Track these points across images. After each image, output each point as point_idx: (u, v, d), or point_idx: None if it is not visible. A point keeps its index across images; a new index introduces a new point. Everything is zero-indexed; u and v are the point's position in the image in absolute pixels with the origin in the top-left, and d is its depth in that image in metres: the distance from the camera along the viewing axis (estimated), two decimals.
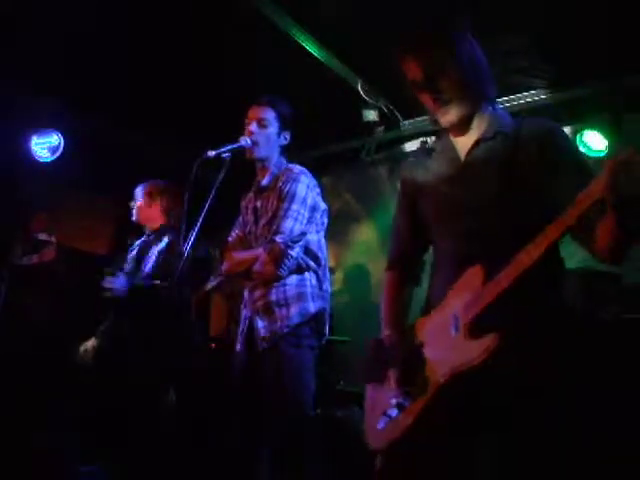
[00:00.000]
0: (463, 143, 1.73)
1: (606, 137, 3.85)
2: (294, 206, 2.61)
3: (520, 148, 1.62)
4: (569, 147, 1.65)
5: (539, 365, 1.50)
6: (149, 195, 3.73)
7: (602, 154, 3.84)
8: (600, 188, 1.28)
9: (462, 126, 1.71)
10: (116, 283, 3.43)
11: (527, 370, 1.49)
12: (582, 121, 3.97)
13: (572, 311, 1.65)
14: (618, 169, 1.24)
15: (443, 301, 1.63)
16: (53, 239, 3.56)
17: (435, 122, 1.75)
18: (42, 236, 3.56)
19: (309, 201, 2.67)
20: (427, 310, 1.72)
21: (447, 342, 1.54)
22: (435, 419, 1.55)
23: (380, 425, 1.65)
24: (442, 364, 1.53)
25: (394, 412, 1.62)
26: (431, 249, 1.87)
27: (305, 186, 2.68)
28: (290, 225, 2.58)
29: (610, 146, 3.84)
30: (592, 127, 3.88)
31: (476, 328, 1.48)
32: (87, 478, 3.31)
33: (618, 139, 3.83)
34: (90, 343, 3.52)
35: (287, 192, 2.64)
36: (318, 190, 2.77)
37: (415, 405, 1.56)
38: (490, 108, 1.73)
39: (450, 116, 1.67)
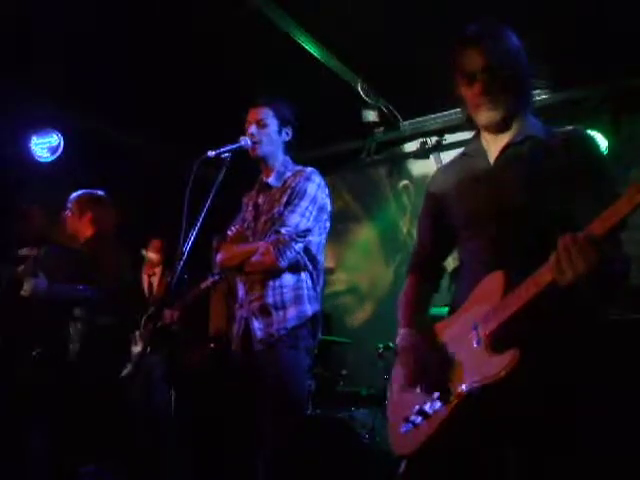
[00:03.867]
0: (494, 147, 1.71)
1: (606, 137, 3.86)
2: (303, 203, 2.65)
3: (549, 155, 1.61)
4: (595, 160, 1.62)
5: (565, 377, 1.47)
6: (79, 206, 3.54)
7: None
8: (548, 273, 1.32)
9: (499, 127, 1.69)
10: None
11: (552, 382, 1.46)
12: (582, 121, 3.97)
13: (593, 318, 1.61)
14: (561, 255, 1.27)
15: (464, 306, 1.60)
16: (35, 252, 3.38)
17: (470, 121, 1.74)
18: (23, 252, 3.41)
19: (319, 200, 2.71)
20: (450, 315, 1.70)
21: (469, 352, 1.51)
22: (458, 430, 1.51)
23: (402, 430, 1.62)
24: (463, 374, 1.50)
25: (417, 419, 1.57)
26: (454, 254, 1.85)
27: (316, 185, 2.72)
28: (296, 220, 2.62)
29: (610, 146, 3.84)
30: (592, 127, 3.88)
31: (497, 341, 1.44)
32: (87, 478, 3.31)
33: (618, 139, 3.83)
34: None
35: (298, 190, 2.68)
36: (327, 192, 2.80)
37: (438, 414, 1.52)
38: (525, 112, 1.72)
39: (494, 113, 1.66)
